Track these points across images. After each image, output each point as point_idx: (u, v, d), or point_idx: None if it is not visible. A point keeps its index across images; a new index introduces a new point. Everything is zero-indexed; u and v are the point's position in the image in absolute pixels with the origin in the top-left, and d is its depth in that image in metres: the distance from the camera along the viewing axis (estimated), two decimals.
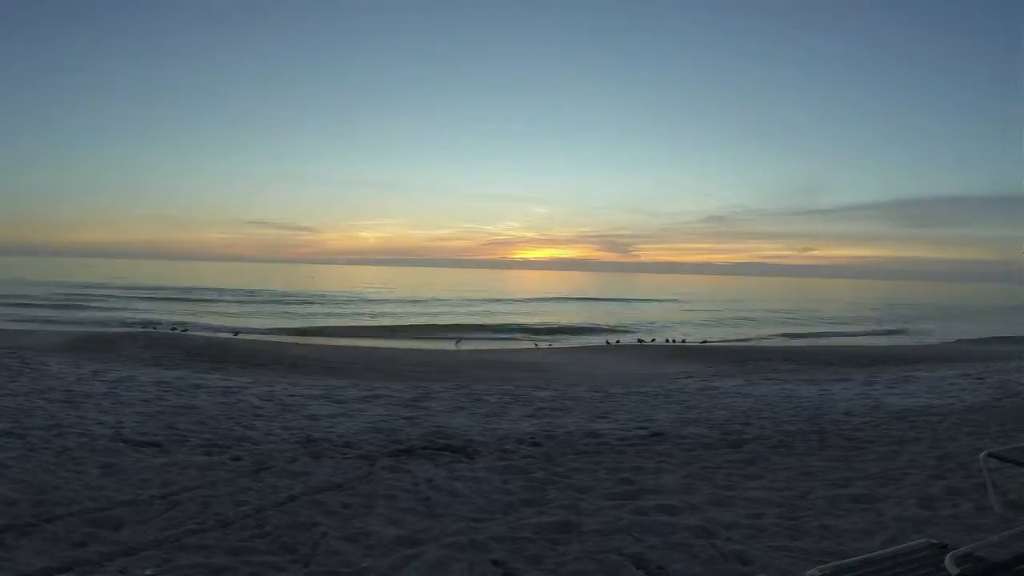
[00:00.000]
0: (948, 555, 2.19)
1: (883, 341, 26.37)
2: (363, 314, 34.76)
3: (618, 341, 23.28)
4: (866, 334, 30.02)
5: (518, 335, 26.29)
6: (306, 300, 42.94)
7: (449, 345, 21.35)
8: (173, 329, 22.50)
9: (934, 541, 2.47)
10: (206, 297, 42.16)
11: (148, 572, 3.04)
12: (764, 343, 24.50)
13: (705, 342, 23.89)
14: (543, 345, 22.19)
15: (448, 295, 50.92)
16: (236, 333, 22.09)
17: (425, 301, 43.07)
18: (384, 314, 34.69)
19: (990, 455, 3.16)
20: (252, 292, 48.03)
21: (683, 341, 23.93)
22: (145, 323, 25.14)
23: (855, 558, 2.37)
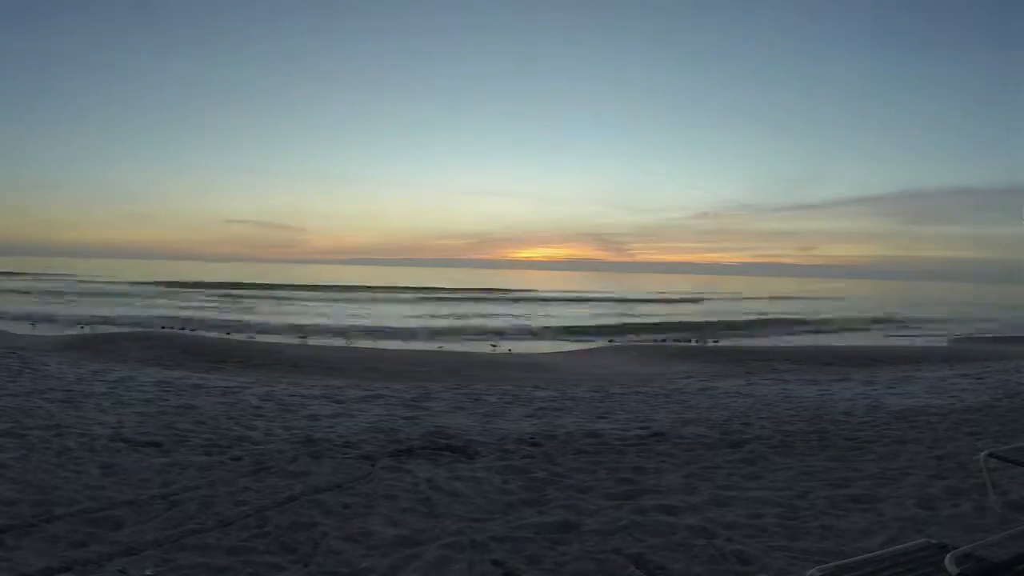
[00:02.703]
0: (948, 555, 2.19)
1: None
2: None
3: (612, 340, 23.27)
4: None
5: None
6: (306, 299, 42.86)
7: (449, 345, 21.35)
8: (165, 328, 22.48)
9: (934, 541, 2.47)
10: (204, 296, 42.13)
11: (148, 572, 3.04)
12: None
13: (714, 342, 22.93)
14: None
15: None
16: (230, 332, 22.09)
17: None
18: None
19: (990, 455, 3.15)
20: (252, 292, 48.04)
21: None
22: (144, 322, 25.13)
23: (855, 558, 2.37)
